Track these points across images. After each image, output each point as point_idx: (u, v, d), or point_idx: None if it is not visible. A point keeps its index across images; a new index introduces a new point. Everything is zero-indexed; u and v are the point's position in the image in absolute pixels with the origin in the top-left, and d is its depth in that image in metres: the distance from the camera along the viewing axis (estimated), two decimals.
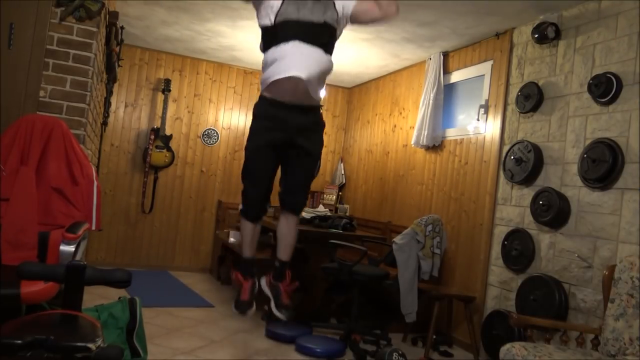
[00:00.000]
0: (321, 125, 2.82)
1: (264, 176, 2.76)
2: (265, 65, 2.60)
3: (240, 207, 2.87)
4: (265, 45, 2.62)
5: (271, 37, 2.56)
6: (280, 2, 2.51)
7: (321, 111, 2.85)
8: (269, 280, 2.86)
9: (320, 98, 2.72)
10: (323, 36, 2.58)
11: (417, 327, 4.09)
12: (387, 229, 5.22)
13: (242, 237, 2.86)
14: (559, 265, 3.34)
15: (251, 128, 2.76)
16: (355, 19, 2.70)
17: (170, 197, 6.00)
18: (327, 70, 2.63)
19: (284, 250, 2.82)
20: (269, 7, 2.54)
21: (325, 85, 2.76)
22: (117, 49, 4.18)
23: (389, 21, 2.79)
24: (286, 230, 2.81)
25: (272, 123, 2.63)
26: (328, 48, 2.62)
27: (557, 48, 3.60)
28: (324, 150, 7.13)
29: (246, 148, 2.79)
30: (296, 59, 2.49)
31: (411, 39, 4.59)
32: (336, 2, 2.64)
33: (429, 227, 3.99)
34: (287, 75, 2.49)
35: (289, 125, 2.62)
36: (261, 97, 2.67)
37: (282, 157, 2.75)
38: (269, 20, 2.53)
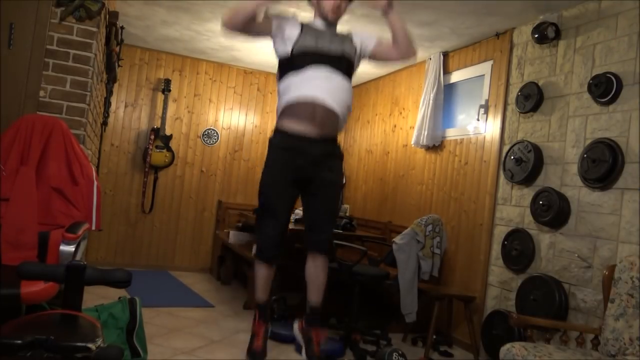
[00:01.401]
0: (340, 155, 2.68)
1: (281, 212, 2.56)
2: (281, 93, 2.51)
3: (254, 250, 2.65)
4: (282, 74, 2.55)
5: (288, 66, 2.51)
6: (298, 32, 2.50)
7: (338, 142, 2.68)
8: (301, 325, 2.75)
9: (341, 128, 2.58)
10: (341, 66, 2.54)
11: (417, 327, 4.09)
12: (387, 229, 5.22)
13: (257, 280, 2.67)
14: (559, 265, 3.34)
15: (266, 161, 2.59)
16: (374, 57, 2.68)
17: (170, 197, 6.01)
18: (348, 98, 2.53)
19: (315, 294, 2.66)
20: (286, 37, 2.51)
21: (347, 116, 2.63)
22: (117, 49, 4.18)
23: (407, 61, 2.74)
24: (314, 273, 2.62)
25: (290, 155, 2.49)
26: (347, 76, 2.56)
27: (557, 48, 3.60)
28: None
29: (261, 183, 2.60)
30: (316, 83, 2.41)
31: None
32: (354, 37, 2.62)
33: (429, 227, 3.99)
34: (306, 96, 2.41)
35: (307, 157, 2.48)
36: (276, 130, 2.54)
37: (302, 192, 2.58)
38: (286, 49, 2.48)
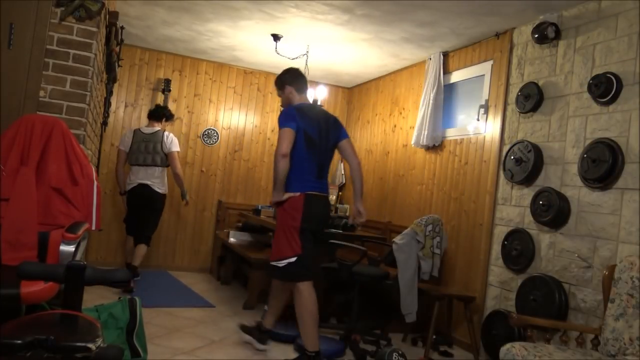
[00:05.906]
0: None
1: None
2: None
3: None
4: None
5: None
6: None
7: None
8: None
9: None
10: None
11: (417, 327, 4.09)
12: (387, 229, 5.22)
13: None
14: (559, 265, 3.34)
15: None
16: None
17: (170, 197, 5.99)
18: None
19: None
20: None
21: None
22: (117, 49, 4.17)
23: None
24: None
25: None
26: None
27: (557, 48, 3.60)
28: None
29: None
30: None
31: (411, 39, 4.59)
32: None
33: (429, 227, 3.99)
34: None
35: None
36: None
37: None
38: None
